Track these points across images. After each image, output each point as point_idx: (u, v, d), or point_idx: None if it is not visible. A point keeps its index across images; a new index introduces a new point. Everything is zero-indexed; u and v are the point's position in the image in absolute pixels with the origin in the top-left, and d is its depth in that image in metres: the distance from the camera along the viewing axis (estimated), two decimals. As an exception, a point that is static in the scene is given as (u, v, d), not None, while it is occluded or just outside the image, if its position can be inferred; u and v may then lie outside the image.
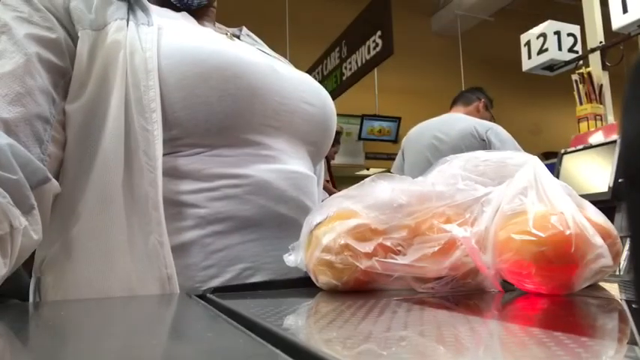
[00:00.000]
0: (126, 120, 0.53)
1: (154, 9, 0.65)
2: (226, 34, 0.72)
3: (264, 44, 0.83)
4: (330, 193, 3.27)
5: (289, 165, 0.61)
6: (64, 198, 0.53)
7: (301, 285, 0.48)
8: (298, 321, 0.28)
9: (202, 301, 0.38)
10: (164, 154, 0.53)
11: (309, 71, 5.21)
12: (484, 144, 2.24)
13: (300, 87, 0.66)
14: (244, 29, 0.83)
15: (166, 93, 0.54)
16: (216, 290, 0.41)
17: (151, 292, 0.49)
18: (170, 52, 0.56)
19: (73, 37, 0.56)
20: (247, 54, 0.61)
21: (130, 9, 0.59)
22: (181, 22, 0.65)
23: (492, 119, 2.51)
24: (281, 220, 0.58)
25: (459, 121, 2.28)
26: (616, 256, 0.38)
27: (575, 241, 0.35)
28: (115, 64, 0.54)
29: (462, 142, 2.20)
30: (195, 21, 0.68)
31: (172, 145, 0.56)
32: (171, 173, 0.55)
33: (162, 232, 0.51)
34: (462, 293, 0.40)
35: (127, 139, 0.52)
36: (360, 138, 5.91)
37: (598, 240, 0.36)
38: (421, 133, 2.29)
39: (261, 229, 0.57)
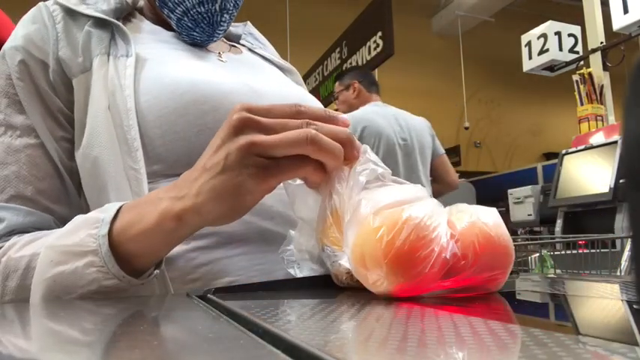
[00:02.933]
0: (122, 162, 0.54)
1: (144, 29, 0.65)
2: (219, 53, 0.70)
3: (267, 44, 0.81)
4: None
5: None
6: None
7: (302, 286, 0.48)
8: (299, 322, 0.28)
9: (203, 302, 0.38)
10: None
11: (310, 72, 5.21)
12: (433, 137, 2.33)
13: None
14: (248, 25, 0.81)
15: (146, 129, 0.55)
16: (217, 291, 0.41)
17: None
18: (147, 88, 0.56)
19: (69, 89, 0.58)
20: (226, 82, 0.60)
21: (112, 38, 0.59)
22: (165, 49, 0.64)
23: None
24: (267, 234, 0.56)
25: (417, 120, 2.32)
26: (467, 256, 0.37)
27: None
28: (100, 104, 0.55)
29: (425, 145, 2.26)
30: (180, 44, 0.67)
31: (155, 176, 0.55)
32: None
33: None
34: (465, 295, 0.40)
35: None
36: (360, 138, 5.91)
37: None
38: (385, 127, 2.20)
39: (246, 243, 0.55)
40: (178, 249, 0.53)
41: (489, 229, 0.37)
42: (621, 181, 1.71)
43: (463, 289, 0.38)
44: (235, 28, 0.79)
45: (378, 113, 2.23)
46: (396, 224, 0.35)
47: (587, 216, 1.91)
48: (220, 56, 0.69)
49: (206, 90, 0.57)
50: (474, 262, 0.36)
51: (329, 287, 0.46)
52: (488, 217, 0.38)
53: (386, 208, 0.37)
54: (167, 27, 0.68)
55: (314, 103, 0.70)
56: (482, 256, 0.37)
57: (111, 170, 0.54)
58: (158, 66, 0.59)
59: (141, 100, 0.55)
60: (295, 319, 0.30)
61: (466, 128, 6.48)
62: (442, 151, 2.38)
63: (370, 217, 0.37)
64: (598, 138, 2.23)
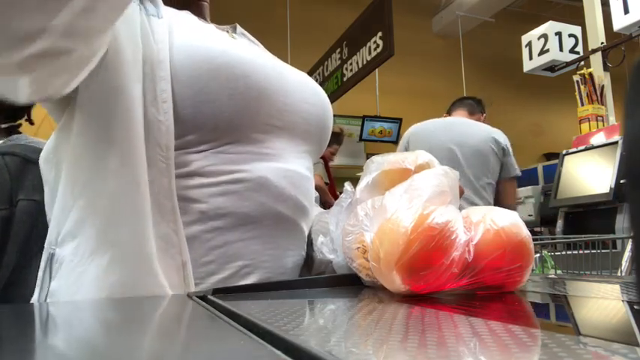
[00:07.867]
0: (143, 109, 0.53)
1: (169, 11, 0.65)
2: (227, 31, 0.72)
3: (259, 44, 0.83)
4: (327, 195, 3.18)
5: (289, 164, 0.62)
6: (83, 180, 0.53)
7: (302, 286, 0.48)
8: (299, 322, 0.28)
9: (203, 302, 0.38)
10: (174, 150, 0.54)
11: (310, 72, 5.21)
12: (502, 152, 2.12)
13: (300, 87, 0.67)
14: (238, 28, 0.82)
15: (177, 89, 0.55)
16: (216, 291, 0.41)
17: (169, 277, 0.50)
18: (181, 48, 0.57)
19: None
20: (253, 54, 0.62)
21: (141, 2, 0.59)
22: (189, 18, 0.65)
23: None
24: (279, 218, 0.59)
25: (477, 128, 2.21)
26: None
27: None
28: (129, 46, 0.54)
29: (481, 152, 2.07)
30: (196, 18, 0.68)
31: (181, 142, 0.56)
32: (178, 168, 0.56)
33: (176, 221, 0.52)
34: (466, 293, 0.40)
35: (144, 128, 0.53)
36: (361, 139, 5.92)
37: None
38: (433, 135, 2.18)
39: (259, 226, 0.57)
40: (195, 230, 0.54)
41: (504, 233, 0.37)
42: (622, 181, 1.70)
43: (479, 288, 0.38)
44: (226, 27, 0.80)
45: (432, 123, 2.22)
46: (417, 229, 0.35)
47: (588, 216, 1.91)
48: (229, 35, 0.70)
49: (238, 56, 0.59)
50: (488, 264, 0.36)
51: (329, 288, 0.46)
52: (505, 220, 0.38)
53: (412, 200, 0.37)
54: (177, 7, 0.68)
55: (316, 87, 0.72)
56: (496, 258, 0.37)
57: (126, 116, 0.52)
58: (189, 32, 0.60)
59: (174, 59, 0.55)
60: (295, 320, 0.30)
61: (467, 129, 6.45)
62: (510, 173, 2.11)
63: (394, 215, 0.37)
64: (598, 138, 2.23)
